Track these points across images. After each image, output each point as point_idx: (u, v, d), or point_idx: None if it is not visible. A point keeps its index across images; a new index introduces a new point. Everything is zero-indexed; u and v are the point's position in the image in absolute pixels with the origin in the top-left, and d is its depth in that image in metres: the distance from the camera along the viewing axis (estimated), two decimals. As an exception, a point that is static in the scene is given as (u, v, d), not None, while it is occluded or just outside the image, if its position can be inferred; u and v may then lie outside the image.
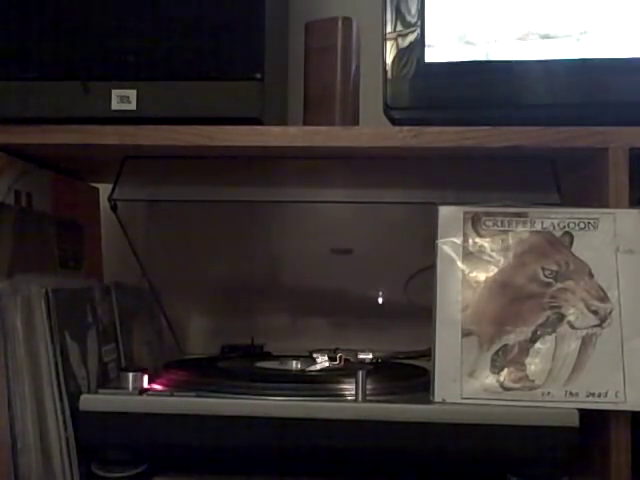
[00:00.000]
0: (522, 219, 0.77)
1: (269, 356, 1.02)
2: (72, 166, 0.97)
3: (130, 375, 0.76)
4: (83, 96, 0.80)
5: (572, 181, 0.87)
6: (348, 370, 0.83)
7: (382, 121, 0.85)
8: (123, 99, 0.80)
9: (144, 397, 0.75)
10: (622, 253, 0.75)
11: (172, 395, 0.75)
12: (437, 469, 0.76)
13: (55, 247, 0.94)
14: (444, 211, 0.77)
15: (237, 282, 1.10)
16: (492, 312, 0.75)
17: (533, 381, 0.73)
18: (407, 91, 0.84)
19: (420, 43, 0.83)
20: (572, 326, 0.74)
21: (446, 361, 0.74)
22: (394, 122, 0.84)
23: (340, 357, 0.89)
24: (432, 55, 0.83)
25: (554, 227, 0.77)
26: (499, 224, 0.77)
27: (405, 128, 0.79)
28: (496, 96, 0.82)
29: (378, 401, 0.75)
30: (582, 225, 0.76)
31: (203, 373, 0.84)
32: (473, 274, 0.76)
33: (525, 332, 0.74)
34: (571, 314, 0.74)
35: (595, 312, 0.74)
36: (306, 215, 1.06)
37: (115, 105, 0.80)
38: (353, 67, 0.91)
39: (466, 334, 0.74)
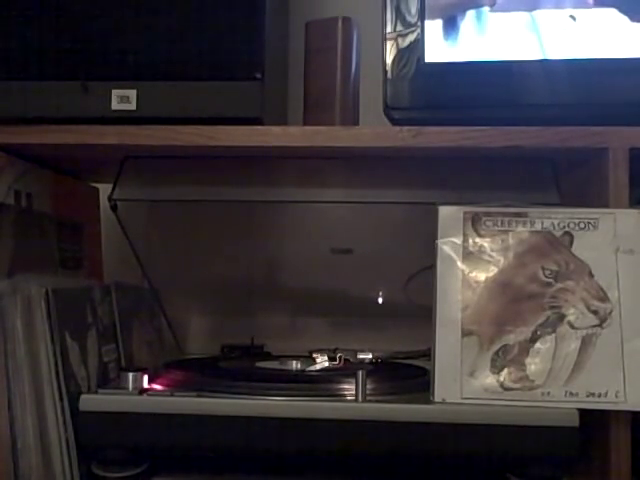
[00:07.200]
0: (522, 219, 0.77)
1: (269, 356, 1.02)
2: (72, 166, 0.97)
3: (130, 375, 0.76)
4: (83, 96, 0.80)
5: (572, 181, 0.87)
6: (348, 370, 0.83)
7: (382, 121, 0.85)
8: (123, 99, 0.80)
9: (144, 397, 0.75)
10: (622, 253, 0.75)
11: (172, 395, 0.75)
12: (437, 469, 0.76)
13: (55, 247, 0.94)
14: (444, 211, 0.77)
15: (237, 282, 1.10)
16: (492, 312, 0.75)
17: (533, 381, 0.73)
18: (407, 91, 0.84)
19: (420, 43, 0.83)
20: (572, 326, 0.74)
21: (446, 361, 0.74)
22: (394, 122, 0.84)
23: (340, 357, 0.89)
24: (432, 55, 0.83)
25: (554, 227, 0.77)
26: (499, 224, 0.77)
27: (405, 128, 0.79)
28: (496, 96, 0.82)
29: (378, 401, 0.75)
30: (582, 225, 0.76)
31: (203, 373, 0.84)
32: (473, 274, 0.76)
33: (525, 332, 0.74)
34: (571, 314, 0.74)
35: (595, 312, 0.74)
36: (306, 215, 1.06)
37: (115, 105, 0.80)
38: (353, 67, 0.91)
39: (466, 334, 0.74)
